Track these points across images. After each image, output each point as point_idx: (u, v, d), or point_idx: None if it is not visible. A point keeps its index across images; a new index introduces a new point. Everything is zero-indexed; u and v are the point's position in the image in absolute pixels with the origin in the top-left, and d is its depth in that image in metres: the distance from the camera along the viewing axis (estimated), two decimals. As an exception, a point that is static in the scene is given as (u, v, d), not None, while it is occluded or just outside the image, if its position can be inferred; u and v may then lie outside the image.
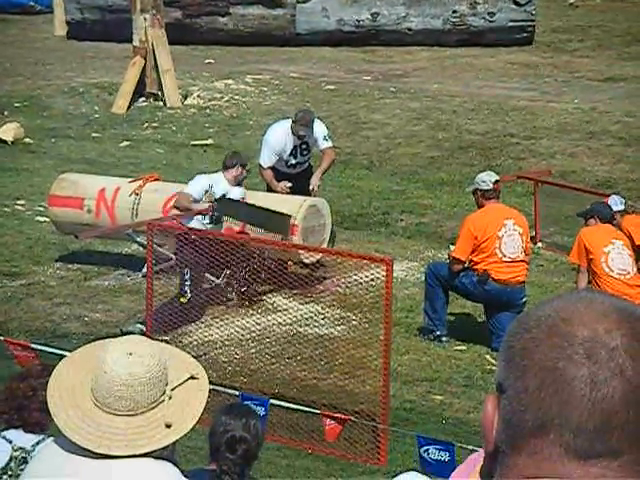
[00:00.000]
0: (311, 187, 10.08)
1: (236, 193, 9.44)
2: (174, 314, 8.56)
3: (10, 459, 4.32)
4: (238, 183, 9.42)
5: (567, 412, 1.21)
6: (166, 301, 8.71)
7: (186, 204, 9.15)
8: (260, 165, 10.24)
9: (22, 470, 4.26)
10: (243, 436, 4.20)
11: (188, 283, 8.75)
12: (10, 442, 4.35)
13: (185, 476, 2.73)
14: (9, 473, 4.32)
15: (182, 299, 8.60)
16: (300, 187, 10.01)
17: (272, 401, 6.96)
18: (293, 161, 10.20)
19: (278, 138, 10.13)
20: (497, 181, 8.99)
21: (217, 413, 4.33)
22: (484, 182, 8.89)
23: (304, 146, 10.17)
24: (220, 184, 9.30)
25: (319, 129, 10.21)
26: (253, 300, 9.16)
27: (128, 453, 2.57)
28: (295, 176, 10.20)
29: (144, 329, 8.56)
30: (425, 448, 6.22)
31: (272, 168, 10.18)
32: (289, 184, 10.03)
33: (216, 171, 9.61)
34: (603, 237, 8.85)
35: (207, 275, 9.04)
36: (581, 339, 1.22)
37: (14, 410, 4.38)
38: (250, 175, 11.55)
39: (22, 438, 4.35)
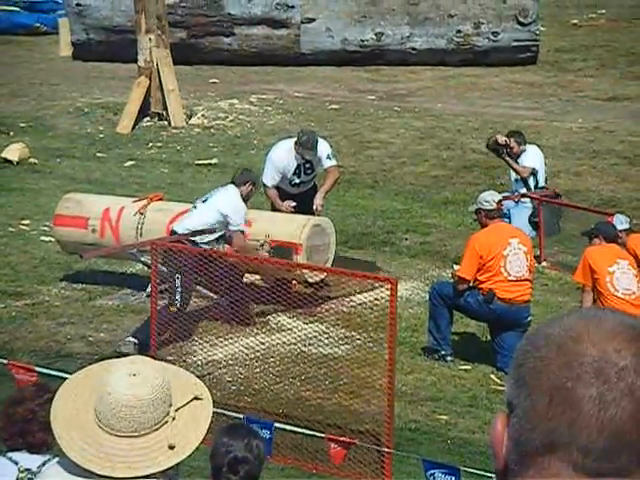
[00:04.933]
0: (315, 207, 10.08)
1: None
2: (164, 326, 8.51)
3: None
4: (245, 200, 9.40)
5: (575, 432, 1.20)
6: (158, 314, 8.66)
7: (244, 244, 9.06)
8: (264, 184, 10.25)
9: None
10: (245, 457, 4.18)
11: (180, 290, 8.71)
12: (16, 464, 4.34)
13: None
14: None
15: (172, 308, 8.57)
16: (304, 206, 10.01)
17: (277, 424, 6.93)
18: (297, 180, 10.19)
19: (281, 157, 10.14)
20: (500, 201, 9.00)
21: (218, 433, 4.32)
22: (487, 202, 8.89)
23: (308, 165, 10.17)
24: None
25: (322, 148, 10.21)
26: (247, 320, 9.11)
27: (131, 475, 2.57)
28: (299, 195, 10.20)
29: (136, 341, 8.56)
30: (431, 472, 6.19)
31: (276, 187, 10.19)
32: (293, 203, 10.04)
33: (223, 185, 9.47)
34: (608, 257, 8.84)
35: (203, 290, 9.03)
36: (590, 359, 1.22)
37: (17, 435, 4.37)
38: (255, 194, 11.59)
39: (28, 460, 4.34)
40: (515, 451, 1.24)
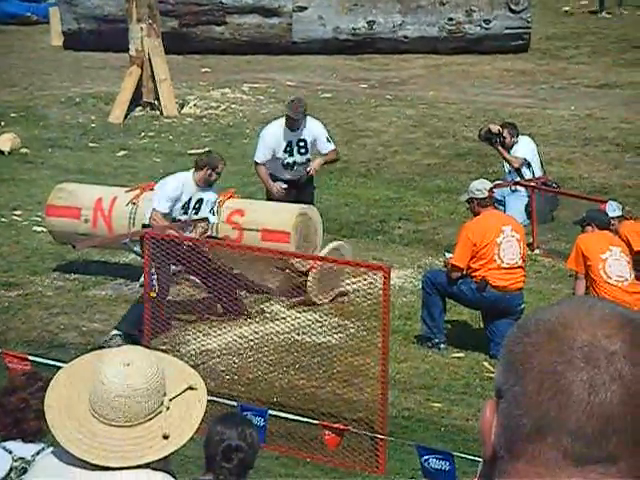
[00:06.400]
0: (308, 169, 9.99)
1: (209, 197, 9.19)
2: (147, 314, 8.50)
3: (10, 469, 4.32)
4: (209, 184, 9.18)
5: (565, 416, 1.21)
6: (137, 302, 8.65)
7: (161, 224, 8.92)
8: (255, 161, 10.22)
9: None
10: (239, 445, 4.19)
11: (155, 277, 8.65)
12: (10, 452, 4.35)
13: None
14: None
15: (152, 293, 8.52)
16: (299, 195, 9.95)
17: (271, 411, 6.94)
18: (289, 159, 10.07)
19: (272, 133, 10.09)
20: (491, 188, 9.00)
21: (212, 422, 4.32)
22: (479, 191, 8.91)
23: (302, 144, 10.04)
24: (188, 187, 9.09)
25: (320, 131, 10.14)
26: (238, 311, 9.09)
27: (125, 464, 2.57)
28: (292, 183, 10.12)
29: (120, 333, 8.55)
30: (425, 458, 6.21)
31: (271, 175, 10.13)
32: (284, 185, 10.00)
33: (188, 169, 9.40)
34: (600, 244, 8.85)
35: (192, 278, 9.03)
36: (580, 343, 1.22)
37: (11, 425, 4.38)
38: (248, 174, 11.51)
39: (22, 448, 4.35)
40: (505, 438, 1.24)
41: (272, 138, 10.02)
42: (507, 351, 1.27)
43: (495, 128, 11.64)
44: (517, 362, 1.25)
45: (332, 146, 10.19)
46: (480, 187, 8.92)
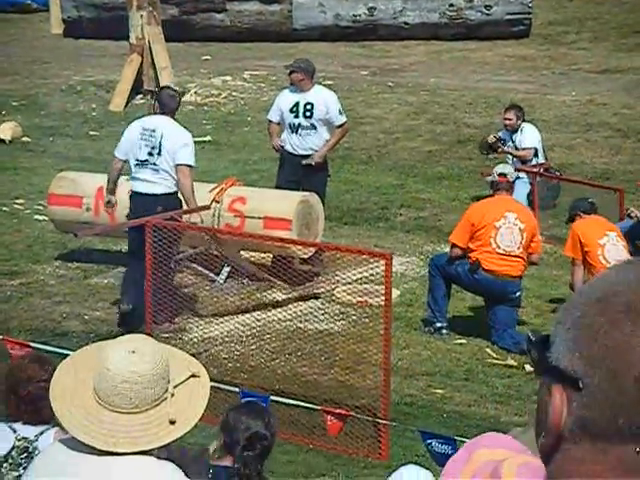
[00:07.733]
0: (310, 160, 9.85)
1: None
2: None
3: (12, 448, 4.35)
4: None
5: None
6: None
7: (191, 182, 8.55)
8: (267, 119, 10.35)
9: (23, 459, 4.30)
10: (264, 434, 4.34)
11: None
12: (15, 432, 4.39)
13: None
14: (10, 461, 4.35)
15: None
16: (308, 183, 9.87)
17: (273, 397, 6.96)
18: (295, 121, 9.91)
19: (283, 92, 10.27)
20: (502, 174, 8.93)
21: (235, 410, 4.46)
22: (491, 175, 9.00)
23: (308, 107, 9.89)
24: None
25: (332, 100, 9.98)
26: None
27: (133, 449, 2.59)
28: (303, 168, 10.01)
29: (130, 307, 8.37)
30: (428, 442, 6.24)
31: (281, 163, 10.12)
32: (281, 143, 9.95)
33: (160, 113, 8.92)
34: (597, 229, 8.85)
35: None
36: None
37: (31, 413, 4.41)
38: (249, 162, 11.47)
39: (27, 429, 4.39)
40: (582, 432, 1.16)
41: (281, 97, 10.17)
42: (591, 339, 1.14)
43: (491, 138, 11.78)
44: (606, 357, 1.13)
45: (343, 118, 10.07)
46: (493, 171, 9.02)
